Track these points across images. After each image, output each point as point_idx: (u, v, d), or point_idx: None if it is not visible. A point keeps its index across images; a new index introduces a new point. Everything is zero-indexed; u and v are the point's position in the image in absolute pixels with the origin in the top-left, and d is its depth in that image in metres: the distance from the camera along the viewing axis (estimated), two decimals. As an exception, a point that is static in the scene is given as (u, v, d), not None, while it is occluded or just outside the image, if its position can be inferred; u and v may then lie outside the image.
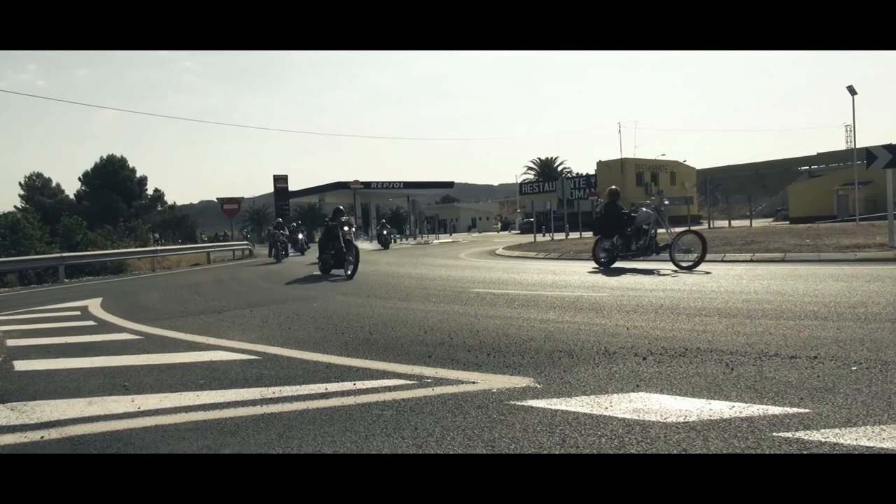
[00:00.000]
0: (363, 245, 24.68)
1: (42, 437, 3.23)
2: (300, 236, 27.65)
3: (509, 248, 22.79)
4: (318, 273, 14.09)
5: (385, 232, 31.85)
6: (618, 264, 12.17)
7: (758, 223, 38.98)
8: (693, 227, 14.42)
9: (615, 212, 12.16)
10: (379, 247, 30.58)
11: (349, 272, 12.76)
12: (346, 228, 13.29)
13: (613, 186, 13.29)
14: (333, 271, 13.62)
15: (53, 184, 63.79)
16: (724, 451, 2.53)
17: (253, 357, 5.04)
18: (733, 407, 3.07)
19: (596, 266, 12.24)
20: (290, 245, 25.16)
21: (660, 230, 11.80)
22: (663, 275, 10.04)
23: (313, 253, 26.95)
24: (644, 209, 11.81)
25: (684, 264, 10.62)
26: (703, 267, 10.54)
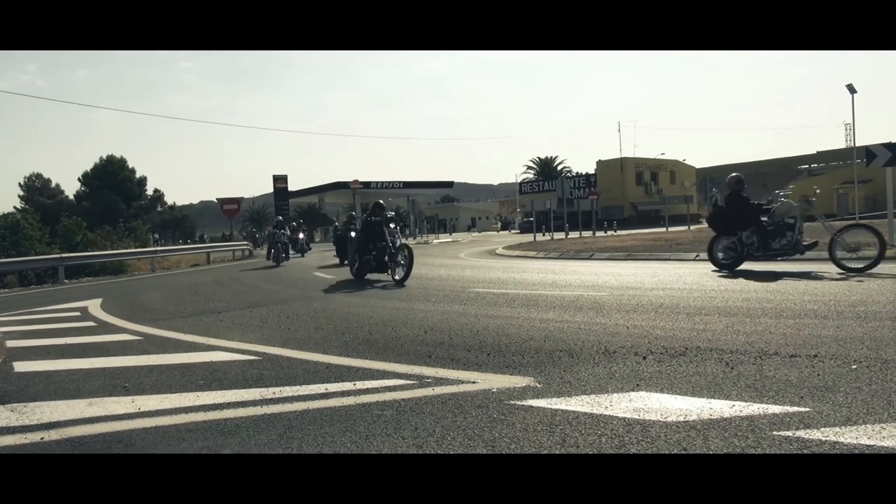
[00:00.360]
0: None
1: (42, 439, 3.23)
2: (301, 236, 27.48)
3: (509, 247, 22.81)
4: (332, 279, 13.01)
5: None
6: (746, 266, 10.06)
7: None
8: (862, 221, 11.59)
9: (743, 203, 10.10)
10: None
11: (398, 277, 10.71)
12: (392, 226, 11.42)
13: (735, 174, 10.84)
14: (373, 276, 11.86)
15: (53, 184, 64.02)
16: (725, 451, 2.53)
17: (253, 357, 5.04)
18: (733, 406, 3.07)
19: (716, 269, 10.17)
20: (289, 246, 24.89)
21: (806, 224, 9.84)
22: (834, 279, 8.09)
23: (314, 255, 27.04)
24: (784, 199, 9.88)
25: (855, 265, 8.67)
26: (881, 268, 8.52)
